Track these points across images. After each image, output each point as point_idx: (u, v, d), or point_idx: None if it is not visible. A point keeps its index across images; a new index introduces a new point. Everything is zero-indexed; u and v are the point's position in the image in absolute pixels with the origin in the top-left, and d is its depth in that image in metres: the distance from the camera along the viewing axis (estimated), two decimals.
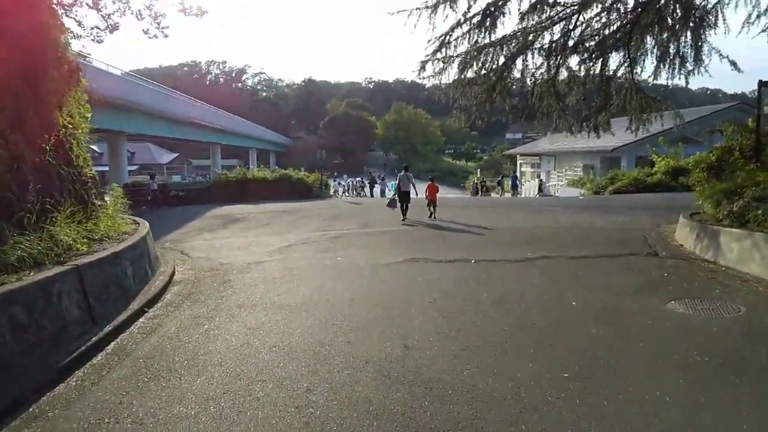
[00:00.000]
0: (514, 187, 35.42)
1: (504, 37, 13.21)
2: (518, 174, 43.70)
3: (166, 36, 13.39)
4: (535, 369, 4.13)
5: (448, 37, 12.86)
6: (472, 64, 13.53)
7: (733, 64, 12.54)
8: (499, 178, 38.56)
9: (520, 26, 13.15)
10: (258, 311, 5.99)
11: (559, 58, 14.11)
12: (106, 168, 32.23)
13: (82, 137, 9.18)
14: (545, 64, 14.42)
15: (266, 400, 3.72)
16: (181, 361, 4.52)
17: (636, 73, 14.59)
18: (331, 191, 34.16)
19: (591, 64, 14.70)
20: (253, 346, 4.81)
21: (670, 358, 4.29)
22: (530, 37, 13.39)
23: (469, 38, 12.81)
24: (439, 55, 13.37)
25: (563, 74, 14.92)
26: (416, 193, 15.63)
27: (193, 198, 25.35)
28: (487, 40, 12.93)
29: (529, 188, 38.53)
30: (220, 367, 4.34)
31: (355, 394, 3.78)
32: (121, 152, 31.25)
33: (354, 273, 7.97)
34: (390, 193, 33.99)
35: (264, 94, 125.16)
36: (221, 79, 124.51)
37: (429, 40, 13.93)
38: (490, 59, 13.56)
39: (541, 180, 36.73)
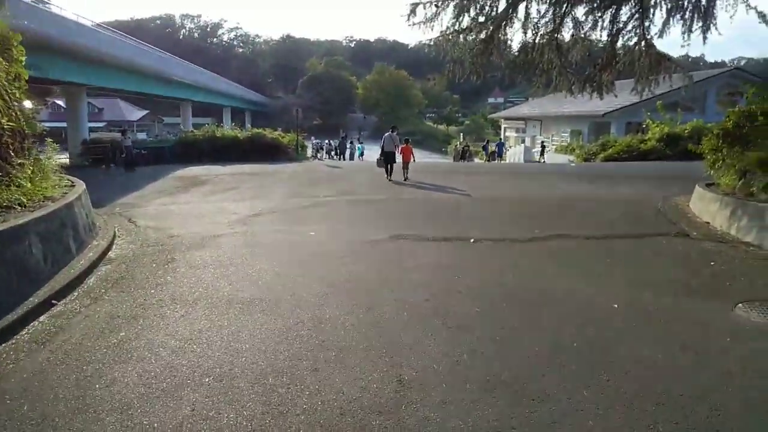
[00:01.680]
0: (500, 154, 34.03)
1: None
2: (503, 139, 42.29)
3: None
4: None
5: None
6: (469, 9, 11.87)
7: (762, 16, 11.16)
8: (484, 143, 37.00)
9: None
10: (198, 309, 4.53)
11: (565, 6, 12.52)
12: (64, 124, 29.63)
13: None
14: (550, 11, 12.83)
15: None
16: (66, 399, 3.06)
17: (647, 27, 13.14)
18: (308, 153, 32.26)
19: (599, 14, 13.17)
20: (177, 377, 3.34)
21: None
22: None
23: None
24: None
25: (568, 26, 13.37)
26: (399, 153, 15.58)
27: (158, 157, 23.35)
28: None
29: (514, 154, 37.20)
30: (119, 414, 2.89)
31: None
32: (80, 107, 28.51)
33: (329, 254, 6.51)
34: (357, 157, 32.80)
35: (240, 50, 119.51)
36: (195, 34, 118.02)
37: None
38: (489, 4, 11.91)
39: (526, 145, 35.41)
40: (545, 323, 4.24)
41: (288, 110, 34.41)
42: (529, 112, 41.86)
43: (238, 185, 14.58)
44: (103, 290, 5.17)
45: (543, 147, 33.98)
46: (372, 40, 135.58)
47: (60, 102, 63.51)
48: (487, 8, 12.01)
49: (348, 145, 34.90)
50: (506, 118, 47.45)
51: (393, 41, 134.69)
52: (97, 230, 7.92)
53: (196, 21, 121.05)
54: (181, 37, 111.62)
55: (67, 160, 30.21)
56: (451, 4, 12.00)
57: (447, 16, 12.20)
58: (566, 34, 13.64)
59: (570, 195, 11.74)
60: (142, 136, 45.65)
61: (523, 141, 40.60)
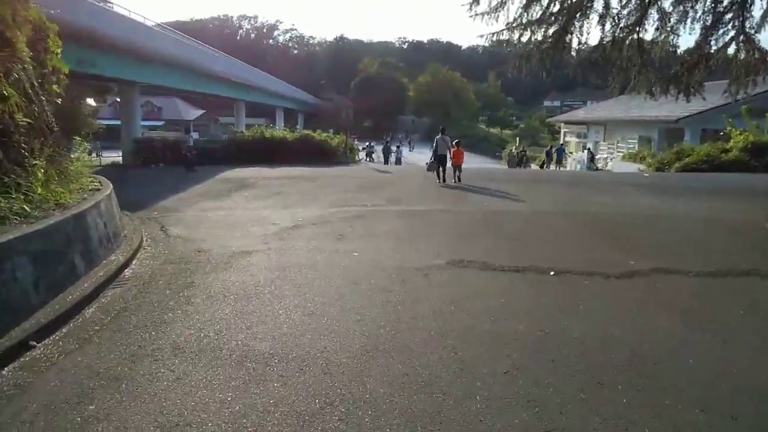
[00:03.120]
0: (560, 160, 31.92)
1: None
2: (564, 144, 39.92)
3: None
4: None
5: None
6: None
7: None
8: (548, 149, 34.81)
9: None
10: (200, 369, 3.44)
11: None
12: (119, 122, 30.04)
13: (23, 71, 6.60)
14: (632, 1, 11.23)
15: None
16: None
17: (748, 18, 11.29)
18: (358, 156, 31.32)
19: (691, 4, 11.43)
20: None
21: None
22: None
23: None
24: None
25: (652, 18, 11.70)
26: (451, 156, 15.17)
27: (208, 157, 23.01)
28: None
29: (576, 161, 34.90)
30: None
31: None
32: (134, 105, 28.81)
33: (374, 287, 5.31)
34: (394, 161, 31.70)
35: (295, 51, 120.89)
36: (252, 35, 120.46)
37: None
38: None
39: (591, 152, 33.08)
40: None
41: (340, 112, 33.80)
42: (591, 116, 39.32)
43: (283, 190, 13.72)
44: (97, 327, 4.21)
45: (592, 155, 31.63)
46: (425, 41, 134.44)
47: (117, 99, 66.25)
48: None
49: (394, 149, 33.77)
50: (566, 122, 44.88)
51: (446, 43, 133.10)
52: (120, 240, 7.12)
53: (252, 22, 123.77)
54: (238, 37, 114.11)
55: (120, 158, 30.86)
56: None
57: (514, 6, 10.79)
58: (650, 27, 11.99)
59: (653, 211, 10.06)
60: (195, 135, 46.20)
61: (585, 147, 38.16)
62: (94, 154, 40.28)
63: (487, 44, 11.79)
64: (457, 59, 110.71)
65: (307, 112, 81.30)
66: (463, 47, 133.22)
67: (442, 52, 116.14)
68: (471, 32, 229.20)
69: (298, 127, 42.14)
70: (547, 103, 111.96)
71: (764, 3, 10.69)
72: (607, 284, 5.32)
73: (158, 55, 26.96)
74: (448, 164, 15.06)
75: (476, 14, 10.98)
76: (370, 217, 9.46)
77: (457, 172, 15.04)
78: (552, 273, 5.61)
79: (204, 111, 74.28)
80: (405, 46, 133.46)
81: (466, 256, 6.33)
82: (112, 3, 26.38)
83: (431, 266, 5.94)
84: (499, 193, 13.03)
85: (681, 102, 20.84)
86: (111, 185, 8.12)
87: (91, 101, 43.38)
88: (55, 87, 7.85)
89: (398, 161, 32.49)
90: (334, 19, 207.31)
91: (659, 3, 11.00)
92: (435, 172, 15.18)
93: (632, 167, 25.12)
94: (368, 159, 33.93)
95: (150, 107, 68.66)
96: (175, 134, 28.50)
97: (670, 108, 29.20)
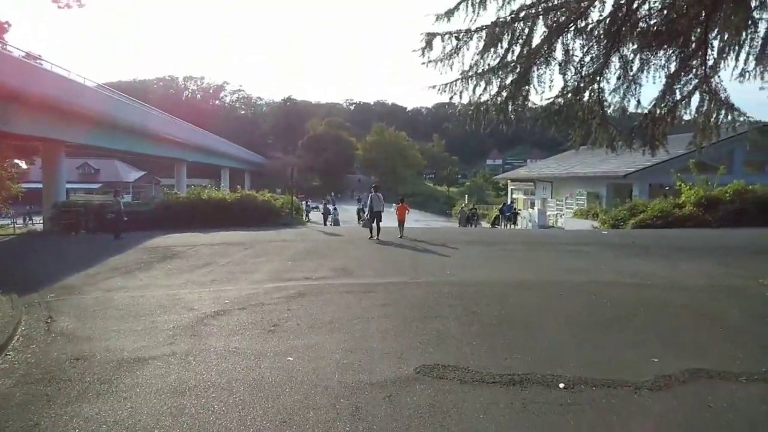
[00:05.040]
0: (510, 219, 31.50)
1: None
2: (510, 202, 39.91)
3: (81, 5, 9.74)
4: None
5: None
6: (501, 41, 9.58)
7: None
8: (501, 206, 34.50)
9: None
10: None
11: (615, 40, 10.27)
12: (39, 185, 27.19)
13: None
14: (594, 48, 10.58)
15: None
16: None
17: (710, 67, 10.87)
18: (306, 217, 29.57)
19: (653, 53, 10.93)
20: None
21: None
22: (584, 4, 9.52)
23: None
24: (456, 20, 9.44)
25: (614, 65, 11.12)
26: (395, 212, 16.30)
27: (139, 222, 20.60)
28: (525, 1, 9.05)
29: (526, 218, 34.67)
30: None
31: None
32: (57, 166, 26.17)
33: (312, 426, 3.58)
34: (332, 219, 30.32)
35: (242, 111, 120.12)
36: (198, 95, 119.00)
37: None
38: (525, 34, 9.63)
39: (539, 209, 32.91)
40: None
41: (287, 170, 32.23)
42: (538, 173, 39.73)
43: (214, 260, 11.83)
44: None
45: (515, 213, 32.09)
46: (371, 102, 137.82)
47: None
48: (521, 41, 9.73)
49: (332, 210, 32.31)
50: (513, 179, 45.30)
51: (392, 104, 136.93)
52: None
53: (199, 83, 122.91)
54: (184, 98, 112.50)
55: (40, 225, 27.70)
56: (475, 36, 9.73)
57: (470, 53, 9.90)
58: (611, 77, 11.41)
59: (638, 278, 8.91)
60: (127, 198, 43.20)
61: (533, 204, 38.22)
62: (19, 220, 36.65)
63: (435, 102, 11.31)
64: (403, 120, 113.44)
65: (254, 172, 79.57)
66: (408, 108, 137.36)
67: (387, 113, 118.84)
68: (416, 95, 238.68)
69: (239, 186, 40.25)
70: (489, 161, 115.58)
71: (717, 43, 10.26)
72: (641, 403, 3.79)
73: (84, 110, 24.85)
74: (394, 220, 16.11)
75: (429, 61, 9.98)
76: (314, 295, 7.76)
77: (401, 228, 16.01)
78: (562, 386, 4.07)
79: (145, 173, 71.19)
80: (352, 107, 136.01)
81: (440, 359, 4.71)
82: (42, 60, 24.46)
83: (395, 380, 4.26)
84: (458, 257, 11.68)
85: (623, 157, 20.93)
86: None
87: (21, 163, 39.89)
88: None
89: (336, 222, 31.05)
90: (281, 80, 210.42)
91: (621, 50, 10.39)
92: (369, 228, 15.73)
93: (585, 224, 24.75)
94: (325, 222, 31.58)
95: (87, 169, 65.08)
96: (102, 198, 25.91)
97: (614, 163, 29.67)
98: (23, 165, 39.08)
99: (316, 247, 13.87)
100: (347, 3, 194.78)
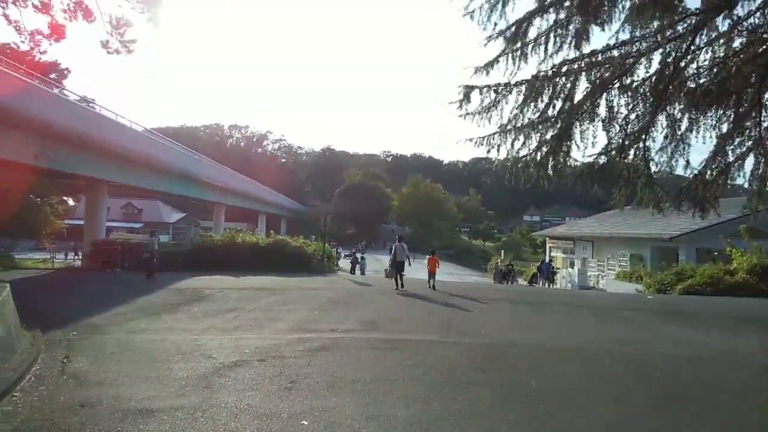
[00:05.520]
0: (547, 277, 30.39)
1: (593, 54, 9.06)
2: (549, 260, 38.67)
3: (130, 51, 10.22)
4: None
5: (521, 29, 8.71)
6: (541, 94, 9.32)
7: None
8: (539, 264, 33.34)
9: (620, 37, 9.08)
10: None
11: (662, 99, 9.84)
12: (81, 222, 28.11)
13: None
14: (640, 105, 10.17)
15: None
16: None
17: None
18: (337, 265, 29.26)
19: (702, 113, 10.42)
20: None
21: None
22: (629, 61, 9.21)
23: (546, 46, 8.67)
24: (495, 73, 9.24)
25: (661, 124, 10.64)
26: (410, 264, 16.11)
27: (175, 262, 20.81)
28: (568, 55, 8.80)
29: (565, 278, 33.37)
30: None
31: None
32: (99, 204, 27.04)
33: None
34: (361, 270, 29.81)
35: (283, 159, 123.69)
36: (242, 143, 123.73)
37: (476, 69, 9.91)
38: (567, 89, 9.35)
39: (579, 268, 31.64)
40: None
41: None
42: (578, 232, 38.56)
43: (241, 305, 11.58)
44: None
45: (554, 272, 30.93)
46: (408, 155, 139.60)
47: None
48: (563, 96, 9.44)
49: (359, 258, 31.77)
50: (552, 237, 44.10)
51: (428, 157, 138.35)
52: None
53: (243, 131, 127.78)
54: (228, 145, 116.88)
55: (79, 261, 28.41)
56: (515, 90, 9.50)
57: (509, 106, 9.63)
58: (658, 135, 10.90)
59: (690, 351, 8.09)
60: (164, 238, 44.14)
61: (573, 263, 36.88)
62: (60, 255, 37.86)
63: (471, 157, 10.93)
64: (438, 173, 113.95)
65: (290, 218, 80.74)
66: (445, 162, 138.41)
67: (423, 166, 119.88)
68: (452, 149, 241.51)
69: (272, 232, 40.59)
70: (526, 217, 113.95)
71: None
72: None
73: (127, 152, 25.73)
74: (424, 271, 16.33)
75: (466, 113, 9.77)
76: (337, 350, 7.31)
77: (432, 280, 15.98)
78: None
79: (185, 214, 73.15)
80: (389, 159, 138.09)
81: None
82: (95, 105, 25.75)
83: None
84: (493, 315, 11.05)
85: (668, 219, 19.93)
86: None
87: (69, 200, 41.71)
88: None
89: (362, 271, 30.45)
90: (321, 130, 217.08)
91: (668, 109, 9.95)
92: (393, 279, 15.75)
93: (628, 287, 23.52)
94: (353, 271, 30.91)
95: (131, 209, 67.46)
96: (139, 237, 26.46)
97: (659, 225, 28.47)
98: (71, 202, 40.86)
99: (345, 297, 13.48)
100: (385, 59, 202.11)
